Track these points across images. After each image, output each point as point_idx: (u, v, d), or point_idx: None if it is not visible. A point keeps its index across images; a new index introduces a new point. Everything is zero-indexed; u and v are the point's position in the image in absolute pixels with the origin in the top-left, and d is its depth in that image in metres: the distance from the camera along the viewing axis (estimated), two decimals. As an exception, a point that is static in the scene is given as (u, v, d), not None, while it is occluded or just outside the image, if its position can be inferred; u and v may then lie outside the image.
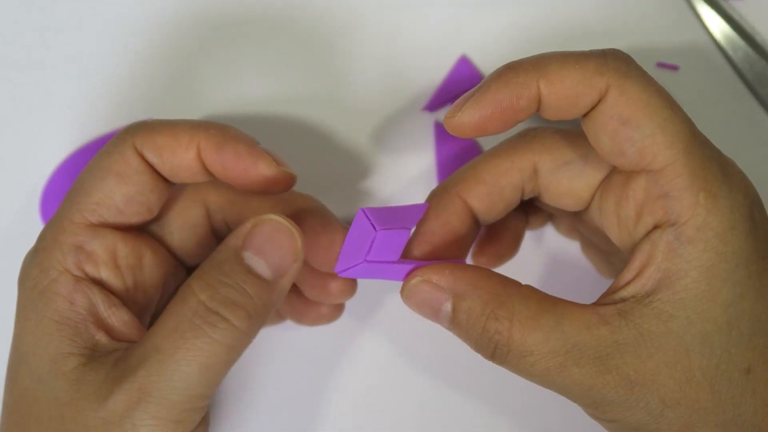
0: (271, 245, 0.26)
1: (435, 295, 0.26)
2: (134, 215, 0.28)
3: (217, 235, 0.32)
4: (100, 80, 0.37)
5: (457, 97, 0.37)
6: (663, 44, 0.37)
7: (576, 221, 0.33)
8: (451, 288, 0.26)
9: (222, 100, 0.37)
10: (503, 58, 0.37)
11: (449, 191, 0.29)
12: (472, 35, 0.38)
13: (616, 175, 0.28)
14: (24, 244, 0.36)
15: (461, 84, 0.37)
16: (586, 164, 0.28)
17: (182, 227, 0.30)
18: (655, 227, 0.25)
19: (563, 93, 0.25)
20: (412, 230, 0.28)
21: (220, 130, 0.28)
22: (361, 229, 0.26)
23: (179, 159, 0.28)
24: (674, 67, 0.37)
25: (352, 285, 0.31)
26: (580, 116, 0.27)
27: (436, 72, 0.37)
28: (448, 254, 0.29)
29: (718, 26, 0.37)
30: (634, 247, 0.26)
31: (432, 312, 0.27)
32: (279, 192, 0.29)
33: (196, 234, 0.31)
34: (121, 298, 0.28)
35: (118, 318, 0.27)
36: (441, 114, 0.37)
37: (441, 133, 0.37)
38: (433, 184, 0.37)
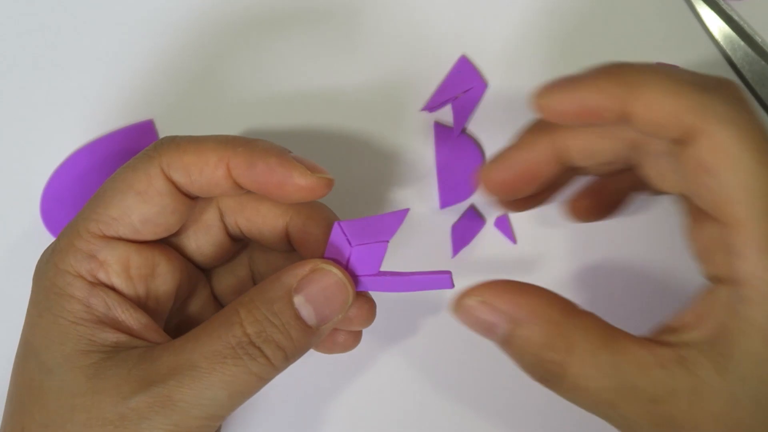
0: (324, 297, 0.27)
1: (492, 318, 0.26)
2: (150, 234, 0.28)
3: (231, 236, 0.31)
4: (101, 80, 0.37)
5: (457, 97, 0.38)
6: (663, 44, 0.37)
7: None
8: (510, 313, 0.25)
9: (221, 100, 0.37)
10: (503, 58, 0.38)
11: (542, 140, 0.29)
12: (472, 35, 0.38)
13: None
14: (24, 244, 0.36)
15: (461, 84, 0.37)
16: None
17: (197, 231, 0.31)
18: (719, 281, 0.25)
19: (648, 119, 0.25)
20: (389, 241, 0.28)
21: (248, 145, 0.28)
22: (339, 243, 0.26)
23: (207, 178, 0.28)
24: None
25: (370, 312, 0.31)
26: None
27: (436, 72, 0.37)
28: (519, 190, 0.28)
29: (717, 26, 0.37)
30: (697, 293, 0.26)
31: (485, 331, 0.26)
32: (319, 197, 0.28)
33: (212, 237, 0.31)
34: (136, 304, 0.28)
35: (136, 320, 0.28)
36: (441, 114, 0.37)
37: (441, 133, 0.37)
38: (433, 184, 0.37)
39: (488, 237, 0.37)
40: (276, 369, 0.27)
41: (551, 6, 0.37)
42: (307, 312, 0.27)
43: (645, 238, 0.37)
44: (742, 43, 0.36)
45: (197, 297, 0.32)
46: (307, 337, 0.27)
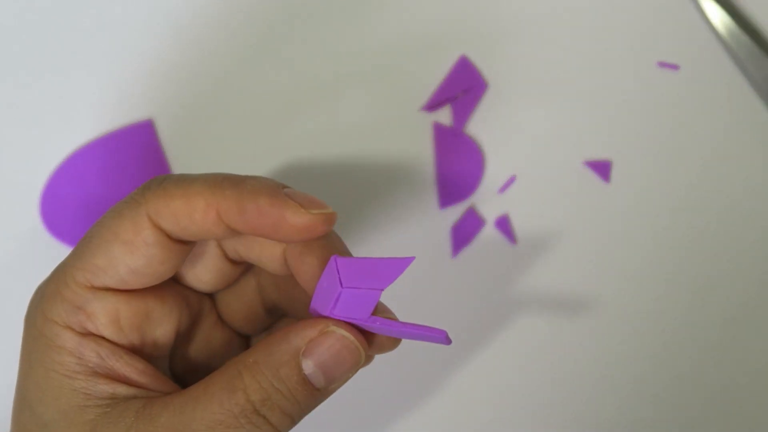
0: (334, 361, 0.25)
1: None
2: (139, 284, 0.27)
3: (231, 260, 0.30)
4: (101, 80, 0.37)
5: (457, 97, 0.38)
6: (664, 41, 0.37)
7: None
8: None
9: (221, 100, 0.37)
10: (503, 58, 0.37)
11: None
12: (472, 35, 0.37)
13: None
14: (24, 245, 0.36)
15: (461, 84, 0.37)
16: None
17: (194, 260, 0.29)
18: None
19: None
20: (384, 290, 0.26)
21: (237, 186, 0.26)
22: (331, 278, 0.25)
23: (198, 225, 0.26)
24: (674, 67, 0.37)
25: (394, 341, 0.29)
26: None
27: (436, 72, 0.37)
28: None
29: (722, 21, 0.36)
30: None
31: None
32: (320, 235, 0.26)
33: (210, 265, 0.29)
34: (130, 350, 0.27)
35: (132, 367, 0.26)
36: (440, 114, 0.37)
37: (440, 133, 0.37)
38: (433, 184, 0.37)
39: (488, 237, 0.37)
40: (279, 431, 0.25)
41: (551, 5, 0.37)
42: (316, 377, 0.25)
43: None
44: (747, 39, 0.36)
45: (203, 323, 0.30)
46: (315, 399, 0.26)
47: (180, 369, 0.30)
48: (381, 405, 0.36)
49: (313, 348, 0.25)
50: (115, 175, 0.36)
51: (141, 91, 0.37)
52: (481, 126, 0.37)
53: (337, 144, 0.37)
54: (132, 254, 0.26)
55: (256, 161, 0.37)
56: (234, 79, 0.37)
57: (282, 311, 0.31)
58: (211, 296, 0.31)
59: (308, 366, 0.25)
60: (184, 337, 0.30)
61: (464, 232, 0.37)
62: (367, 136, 0.37)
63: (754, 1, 0.37)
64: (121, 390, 0.26)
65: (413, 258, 0.25)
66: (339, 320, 0.25)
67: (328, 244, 0.27)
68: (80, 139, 0.37)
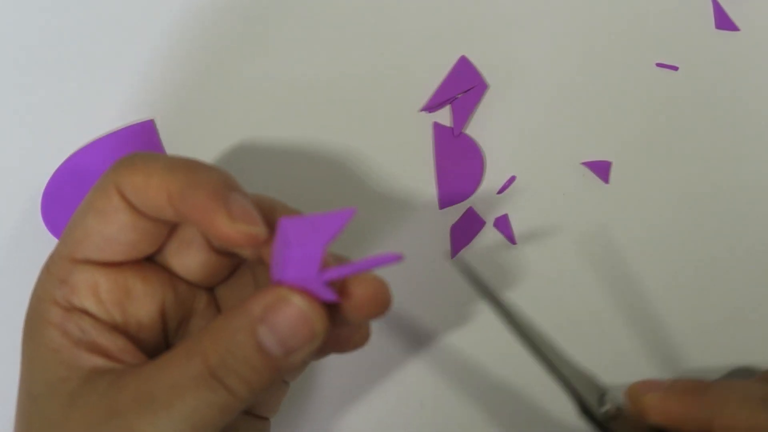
0: (290, 331, 0.25)
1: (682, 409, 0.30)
2: (119, 254, 0.27)
3: (218, 252, 0.30)
4: (101, 80, 0.37)
5: (457, 97, 0.38)
6: (663, 41, 0.37)
7: None
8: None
9: (221, 100, 0.37)
10: (503, 59, 0.38)
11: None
12: (472, 35, 0.38)
13: None
14: (24, 245, 0.36)
15: (461, 84, 0.37)
16: None
17: (179, 249, 0.29)
18: None
19: None
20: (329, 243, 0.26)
21: (189, 171, 0.26)
22: (281, 241, 0.25)
23: (152, 201, 0.26)
24: (674, 68, 0.38)
25: (379, 293, 0.27)
26: None
27: (436, 72, 0.37)
28: None
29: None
30: None
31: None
32: (240, 249, 0.26)
33: (196, 255, 0.29)
34: (113, 328, 0.28)
35: (113, 343, 0.27)
36: (440, 114, 0.37)
37: (440, 133, 0.37)
38: (432, 184, 0.37)
39: (488, 237, 0.37)
40: (241, 401, 0.25)
41: (551, 5, 0.37)
42: (270, 343, 0.25)
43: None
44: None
45: (199, 317, 0.30)
46: (273, 368, 0.25)
47: None
48: (382, 405, 0.36)
49: (269, 315, 0.25)
50: (116, 175, 0.36)
51: (141, 91, 0.37)
52: (481, 126, 0.37)
53: (337, 144, 0.37)
54: (105, 222, 0.27)
55: (256, 161, 0.37)
56: (234, 79, 0.37)
57: None
58: (211, 291, 0.31)
59: (263, 332, 0.25)
60: (179, 330, 0.30)
61: (464, 232, 0.37)
62: (367, 136, 0.37)
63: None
64: (101, 363, 0.26)
65: (354, 209, 0.25)
66: (297, 288, 0.25)
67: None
68: (80, 139, 0.37)
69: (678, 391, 0.31)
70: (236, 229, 0.25)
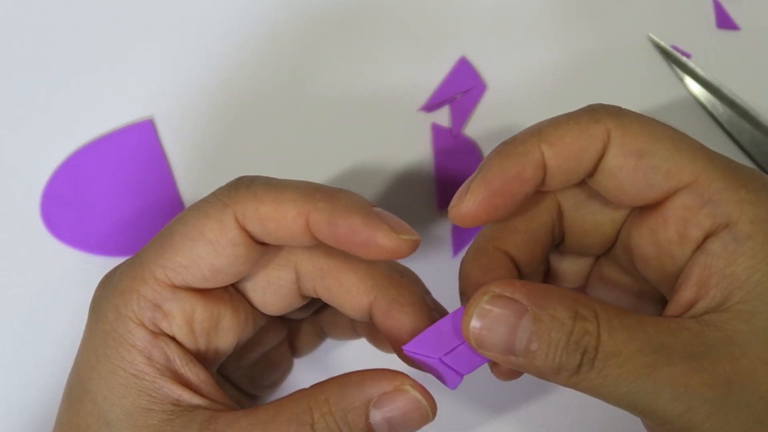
0: (402, 419, 0.26)
1: (512, 309, 0.24)
2: (219, 282, 0.27)
3: (303, 295, 0.30)
4: (101, 80, 0.37)
5: (456, 97, 0.38)
6: (663, 42, 0.37)
7: (597, 271, 0.31)
8: (528, 299, 0.24)
9: (220, 100, 0.37)
10: (503, 59, 0.37)
11: (487, 247, 0.28)
12: (472, 35, 0.37)
13: (643, 209, 0.27)
14: (24, 245, 0.36)
15: (461, 84, 0.37)
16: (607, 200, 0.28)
17: (267, 287, 0.29)
18: (706, 237, 0.25)
19: (567, 150, 0.25)
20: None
21: (330, 200, 0.26)
22: (445, 331, 0.26)
23: (285, 231, 0.26)
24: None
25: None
26: (588, 176, 0.26)
27: (435, 72, 0.37)
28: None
29: (701, 93, 0.37)
30: (683, 269, 0.26)
31: (506, 334, 0.24)
32: (402, 258, 0.27)
33: (282, 295, 0.29)
34: (195, 358, 0.27)
35: (195, 375, 0.27)
36: (439, 114, 0.37)
37: (439, 133, 0.37)
38: (432, 184, 0.37)
39: (487, 237, 0.37)
40: None
41: (551, 7, 0.37)
42: (380, 428, 0.25)
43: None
44: (726, 108, 0.37)
45: (268, 340, 0.32)
46: None
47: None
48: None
49: (385, 401, 0.25)
50: (115, 175, 0.36)
51: (141, 91, 0.37)
52: (479, 127, 0.37)
53: (337, 143, 0.37)
54: (216, 254, 0.26)
55: (256, 161, 0.37)
56: (234, 79, 0.37)
57: (319, 297, 0.30)
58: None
59: (376, 417, 0.25)
60: (244, 352, 0.31)
61: (464, 232, 0.37)
62: (366, 137, 0.37)
63: (730, 76, 0.38)
64: (186, 396, 0.26)
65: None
66: (414, 382, 0.26)
67: (415, 304, 0.28)
68: (80, 139, 0.37)
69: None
70: (402, 240, 0.26)
